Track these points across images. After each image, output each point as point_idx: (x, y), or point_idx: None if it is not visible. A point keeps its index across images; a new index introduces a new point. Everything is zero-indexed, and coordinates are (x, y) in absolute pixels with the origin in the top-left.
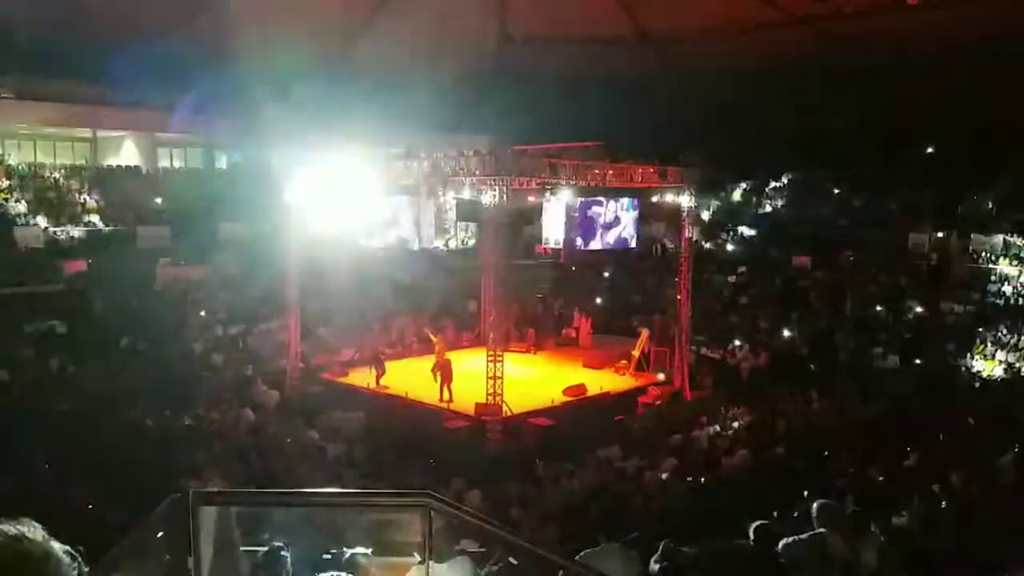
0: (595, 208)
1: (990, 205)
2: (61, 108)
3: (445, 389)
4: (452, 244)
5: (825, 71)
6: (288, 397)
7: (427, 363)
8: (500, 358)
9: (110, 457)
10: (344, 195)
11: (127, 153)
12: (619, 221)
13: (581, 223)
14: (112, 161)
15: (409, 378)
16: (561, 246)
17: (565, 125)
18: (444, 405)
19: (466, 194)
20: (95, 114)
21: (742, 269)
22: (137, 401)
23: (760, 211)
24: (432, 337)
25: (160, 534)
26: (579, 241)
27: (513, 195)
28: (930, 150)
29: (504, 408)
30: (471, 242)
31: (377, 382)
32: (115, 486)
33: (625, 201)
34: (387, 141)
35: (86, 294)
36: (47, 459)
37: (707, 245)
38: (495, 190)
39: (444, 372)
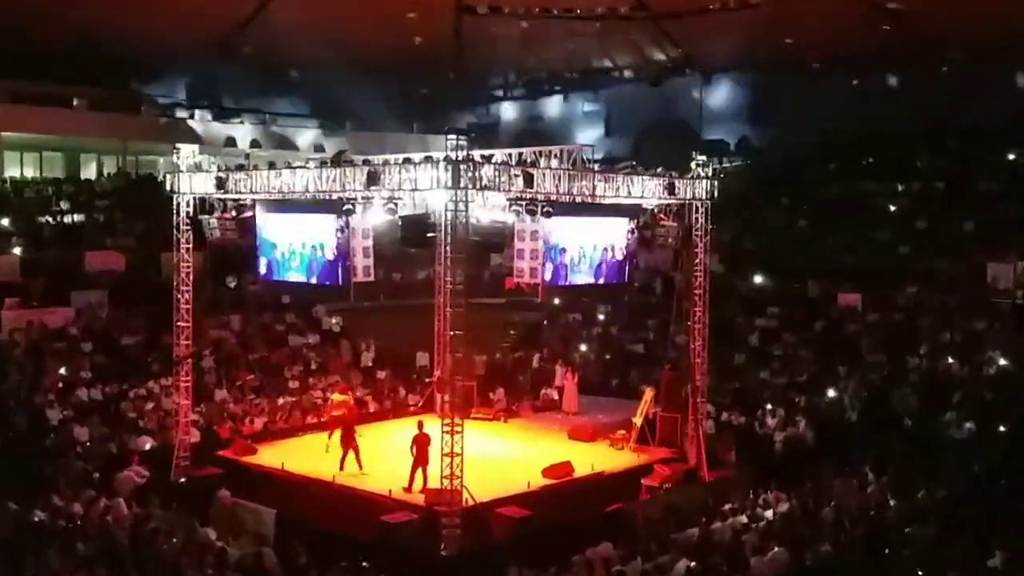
0: (582, 230)
1: None
2: None
3: (419, 472)
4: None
5: (876, 57)
6: (176, 482)
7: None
8: (459, 428)
9: None
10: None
11: None
12: (612, 248)
13: (564, 250)
14: None
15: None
16: (538, 280)
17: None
18: (387, 493)
19: (412, 212)
20: None
21: (774, 310)
22: None
23: (796, 233)
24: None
25: None
26: (561, 273)
27: (476, 213)
28: (1012, 156)
29: (465, 495)
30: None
31: (341, 466)
32: None
33: (621, 221)
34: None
35: None
36: None
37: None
38: (451, 207)
39: (419, 450)
